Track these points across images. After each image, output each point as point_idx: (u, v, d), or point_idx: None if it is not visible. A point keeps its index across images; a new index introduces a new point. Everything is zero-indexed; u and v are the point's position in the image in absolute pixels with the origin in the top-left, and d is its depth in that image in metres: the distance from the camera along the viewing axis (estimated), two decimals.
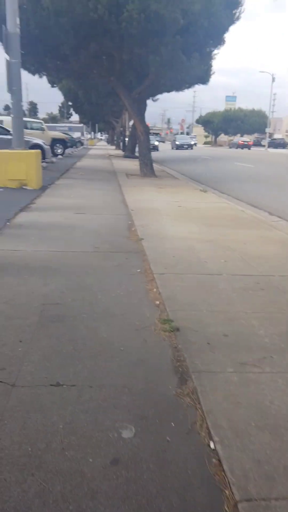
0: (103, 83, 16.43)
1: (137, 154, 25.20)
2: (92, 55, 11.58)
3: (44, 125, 21.42)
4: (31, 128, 20.81)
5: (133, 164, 18.45)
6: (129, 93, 13.13)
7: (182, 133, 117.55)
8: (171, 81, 16.88)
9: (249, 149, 55.63)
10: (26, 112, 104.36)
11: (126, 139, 29.60)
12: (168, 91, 22.31)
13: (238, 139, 61.44)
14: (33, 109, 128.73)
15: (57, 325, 2.52)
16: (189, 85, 23.56)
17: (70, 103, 26.24)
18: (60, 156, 19.79)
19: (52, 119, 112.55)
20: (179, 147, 47.53)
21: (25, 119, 22.48)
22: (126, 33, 10.03)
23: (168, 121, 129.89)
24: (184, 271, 3.64)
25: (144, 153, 13.03)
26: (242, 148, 56.30)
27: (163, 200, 8.05)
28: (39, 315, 2.65)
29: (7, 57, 8.05)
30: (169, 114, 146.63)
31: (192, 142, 49.47)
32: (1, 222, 5.19)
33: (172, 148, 48.18)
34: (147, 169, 12.94)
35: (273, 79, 55.09)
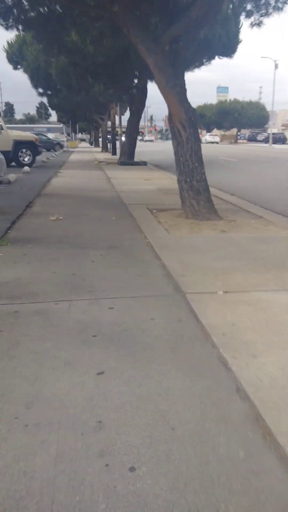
0: (92, 40, 9.43)
1: (137, 160, 18.28)
2: None
3: (2, 122, 14.27)
4: None
5: (142, 178, 11.50)
6: (153, 40, 6.19)
7: (167, 130, 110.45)
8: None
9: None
10: (2, 114, 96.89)
11: (119, 139, 22.67)
12: (187, 67, 15.55)
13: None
14: (9, 110, 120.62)
15: None
16: (209, 58, 16.95)
17: (40, 91, 19.14)
18: (26, 168, 12.74)
19: (29, 120, 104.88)
20: None
21: None
22: None
23: (151, 118, 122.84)
24: None
25: (189, 169, 6.06)
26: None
27: None
28: None
29: None
30: (151, 111, 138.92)
31: None
32: None
33: None
34: (200, 202, 5.99)
35: (276, 66, 48.60)
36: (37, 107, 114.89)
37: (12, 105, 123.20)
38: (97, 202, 7.57)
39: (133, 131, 16.81)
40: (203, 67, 17.32)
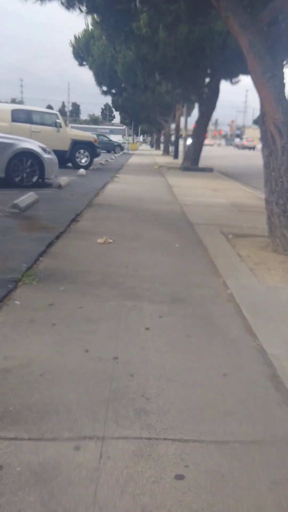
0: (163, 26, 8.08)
1: (201, 166, 16.73)
2: None
3: (61, 119, 13.38)
4: (41, 123, 12.94)
5: (209, 188, 9.99)
6: (249, 16, 4.73)
7: (232, 135, 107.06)
8: None
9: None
10: (68, 113, 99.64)
11: (183, 142, 21.29)
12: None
13: None
14: (76, 110, 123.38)
15: None
16: None
17: (104, 89, 18.24)
18: (82, 171, 11.70)
19: (93, 121, 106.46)
20: None
21: (28, 107, 14.59)
22: None
23: (216, 122, 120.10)
24: None
25: (284, 189, 4.50)
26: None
27: None
28: None
29: None
30: (217, 115, 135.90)
31: None
32: None
33: None
34: None
35: None
36: (102, 108, 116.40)
37: (78, 106, 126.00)
38: (156, 218, 6.20)
39: (201, 133, 15.30)
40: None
